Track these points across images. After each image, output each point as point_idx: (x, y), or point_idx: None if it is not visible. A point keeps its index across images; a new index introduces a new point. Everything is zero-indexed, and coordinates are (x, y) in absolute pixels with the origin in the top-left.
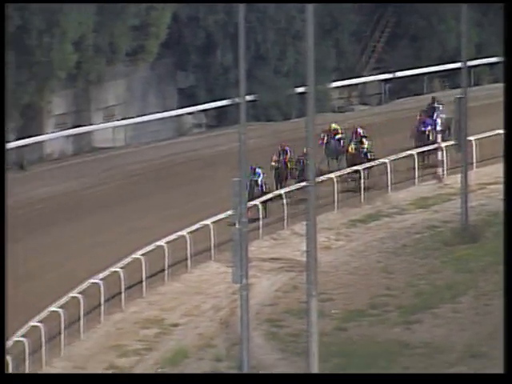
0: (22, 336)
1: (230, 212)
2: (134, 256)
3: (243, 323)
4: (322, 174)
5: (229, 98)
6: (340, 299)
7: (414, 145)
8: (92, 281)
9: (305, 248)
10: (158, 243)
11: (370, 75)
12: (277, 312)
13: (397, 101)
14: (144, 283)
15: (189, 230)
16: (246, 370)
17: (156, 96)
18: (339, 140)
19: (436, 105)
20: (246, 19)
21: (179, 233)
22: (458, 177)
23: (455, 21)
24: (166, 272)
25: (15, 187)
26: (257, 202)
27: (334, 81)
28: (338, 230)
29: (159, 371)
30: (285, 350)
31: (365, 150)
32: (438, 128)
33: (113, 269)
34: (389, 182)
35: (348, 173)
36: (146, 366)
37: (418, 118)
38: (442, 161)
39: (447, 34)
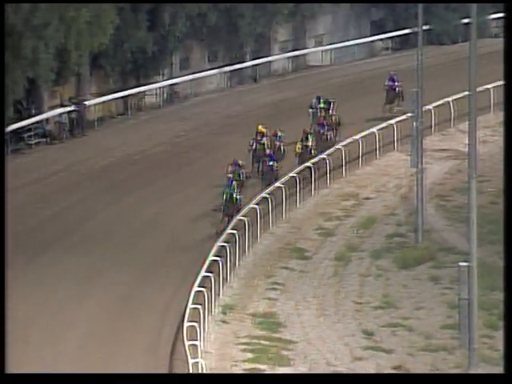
0: (256, 204)
1: (409, 114)
2: (336, 147)
3: (418, 198)
4: None
5: (410, 28)
6: (494, 180)
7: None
8: (306, 164)
9: (467, 141)
10: (355, 137)
11: None
12: (445, 189)
13: None
14: (344, 167)
15: (378, 127)
16: (420, 234)
17: (354, 27)
18: (263, 144)
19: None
20: None
21: (371, 129)
22: None
23: None
24: (360, 159)
25: (251, 95)
26: (431, 106)
27: (492, 13)
28: (493, 128)
29: (355, 232)
30: (450, 218)
31: (309, 147)
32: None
33: (320, 156)
34: None
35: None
36: (345, 228)
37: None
38: None
39: None
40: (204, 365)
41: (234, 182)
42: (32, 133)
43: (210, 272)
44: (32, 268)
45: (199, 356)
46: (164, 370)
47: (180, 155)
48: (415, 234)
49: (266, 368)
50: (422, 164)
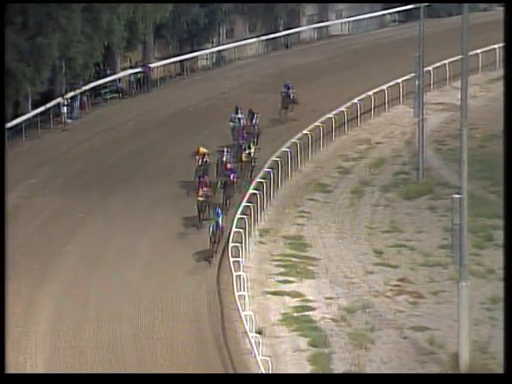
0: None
1: (413, 74)
2: (351, 101)
3: (420, 142)
4: None
5: (413, 3)
6: (484, 127)
7: None
8: (328, 116)
9: (460, 96)
10: (368, 93)
11: None
12: (441, 136)
13: None
14: (359, 118)
15: (387, 85)
16: (420, 172)
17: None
18: (206, 162)
19: None
20: None
21: (381, 87)
22: None
23: None
24: (372, 111)
25: (283, 59)
26: (431, 68)
27: None
28: (481, 86)
29: (368, 171)
30: (446, 159)
31: (251, 156)
32: None
33: (339, 109)
34: None
35: None
36: (360, 167)
37: None
38: None
39: None
40: (246, 276)
41: (220, 210)
42: (107, 89)
43: (250, 202)
44: (109, 198)
45: (241, 270)
46: (213, 281)
47: (226, 108)
48: (417, 172)
49: (294, 280)
50: (422, 115)
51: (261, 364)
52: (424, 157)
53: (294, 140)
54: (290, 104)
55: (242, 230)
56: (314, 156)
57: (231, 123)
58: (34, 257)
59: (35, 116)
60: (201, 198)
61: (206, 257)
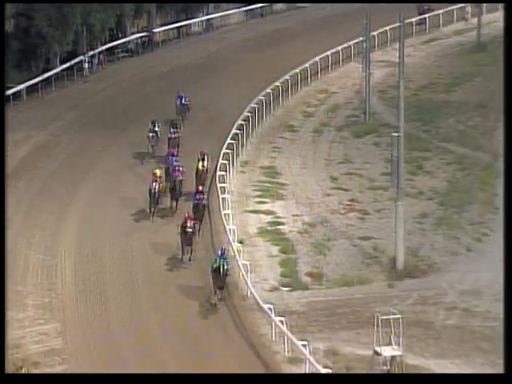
0: (263, 96)
1: (361, 38)
2: (313, 60)
3: (366, 92)
4: None
5: None
6: (417, 79)
7: None
8: (295, 70)
9: (398, 55)
10: (327, 53)
11: None
12: (384, 86)
13: None
14: (320, 73)
15: (341, 47)
16: (367, 115)
17: None
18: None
19: None
20: None
21: (337, 47)
22: None
23: None
24: (330, 67)
25: (260, 25)
26: (376, 33)
27: None
28: (415, 47)
29: (326, 115)
30: (387, 105)
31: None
32: None
33: (303, 66)
34: None
35: None
36: (320, 111)
37: None
38: None
39: None
40: (229, 198)
41: (226, 253)
42: (119, 49)
43: (234, 139)
44: (122, 134)
45: (226, 193)
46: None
47: (215, 64)
48: (364, 116)
49: (268, 201)
50: (369, 70)
51: (242, 267)
52: (370, 103)
53: (267, 90)
54: (184, 112)
55: (226, 162)
56: (284, 103)
57: (150, 134)
58: (63, 182)
59: (63, 70)
60: (189, 230)
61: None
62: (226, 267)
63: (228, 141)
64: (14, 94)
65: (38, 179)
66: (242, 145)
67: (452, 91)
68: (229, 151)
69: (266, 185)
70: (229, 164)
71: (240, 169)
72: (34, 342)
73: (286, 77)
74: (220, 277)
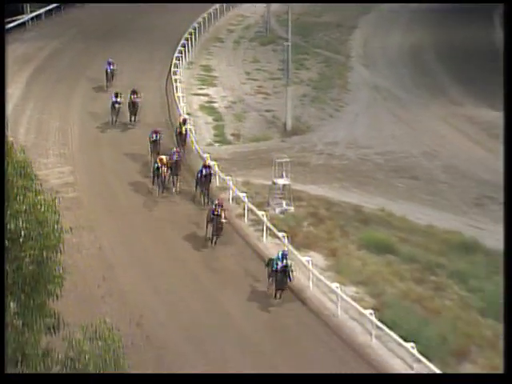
0: (202, 18)
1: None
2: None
3: (266, 16)
4: None
5: None
6: (298, 8)
7: None
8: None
9: None
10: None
11: None
12: (280, 13)
13: None
14: (226, 11)
15: None
16: (268, 31)
17: None
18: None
19: None
20: None
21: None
22: None
23: None
24: (226, 10)
25: None
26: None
27: None
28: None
29: (241, 30)
30: (281, 25)
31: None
32: None
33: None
34: None
35: None
36: (238, 29)
37: None
38: None
39: None
40: (180, 86)
41: (280, 253)
42: None
43: (183, 46)
44: (112, 44)
45: (177, 82)
46: (164, 119)
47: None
48: (266, 31)
49: (205, 87)
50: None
51: (189, 131)
52: (270, 24)
53: (204, 15)
54: (112, 76)
55: (178, 62)
56: (215, 23)
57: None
58: (65, 79)
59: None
60: (223, 221)
61: None
62: (289, 268)
63: (178, 48)
64: (36, 16)
65: (54, 72)
66: (188, 51)
67: (321, 16)
68: (179, 55)
69: (204, 77)
70: (179, 63)
71: (187, 67)
72: (55, 178)
73: (216, 6)
74: (283, 278)
